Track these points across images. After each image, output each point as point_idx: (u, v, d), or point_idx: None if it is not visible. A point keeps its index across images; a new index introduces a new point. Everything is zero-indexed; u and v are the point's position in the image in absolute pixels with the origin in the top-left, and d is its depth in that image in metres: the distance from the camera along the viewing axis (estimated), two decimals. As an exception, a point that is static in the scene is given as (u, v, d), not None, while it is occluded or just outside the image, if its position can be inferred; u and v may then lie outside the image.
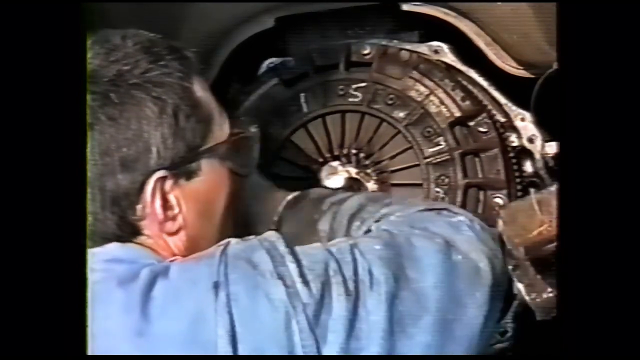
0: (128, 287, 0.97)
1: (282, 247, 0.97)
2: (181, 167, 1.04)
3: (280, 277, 0.94)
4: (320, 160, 1.39)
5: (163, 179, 1.03)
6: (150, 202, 1.02)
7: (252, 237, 1.02)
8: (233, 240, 1.00)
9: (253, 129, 1.18)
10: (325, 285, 0.94)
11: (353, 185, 1.37)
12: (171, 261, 1.02)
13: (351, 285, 0.95)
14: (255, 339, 0.92)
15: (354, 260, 0.97)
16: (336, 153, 1.40)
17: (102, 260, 1.02)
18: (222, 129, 1.10)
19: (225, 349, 0.91)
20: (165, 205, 1.04)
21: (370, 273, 0.96)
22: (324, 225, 1.15)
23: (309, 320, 0.92)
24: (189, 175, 1.05)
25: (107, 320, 0.95)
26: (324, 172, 1.37)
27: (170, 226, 1.05)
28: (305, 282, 0.94)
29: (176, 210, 1.04)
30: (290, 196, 1.22)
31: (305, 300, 0.93)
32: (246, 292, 0.93)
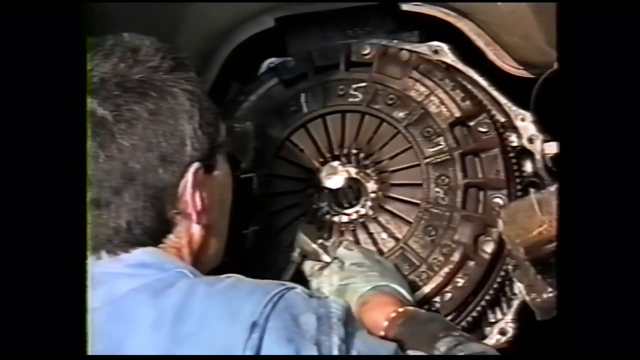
0: (161, 299, 0.97)
1: (335, 319, 0.96)
2: (208, 161, 1.08)
3: (318, 344, 0.93)
4: (320, 160, 1.40)
5: (198, 170, 1.06)
6: (191, 193, 1.06)
7: (319, 294, 1.03)
8: (299, 289, 1.00)
9: (248, 123, 1.23)
10: None
11: (353, 185, 1.37)
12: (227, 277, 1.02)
13: None
14: None
15: None
16: (336, 153, 1.40)
17: (127, 265, 1.04)
18: (222, 126, 1.14)
19: None
20: (201, 196, 1.07)
21: None
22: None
23: None
24: (209, 168, 1.09)
25: (134, 335, 0.96)
26: (324, 172, 1.37)
27: (205, 218, 1.08)
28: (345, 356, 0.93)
29: (207, 201, 1.08)
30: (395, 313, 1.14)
31: None
32: (278, 343, 0.92)
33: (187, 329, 0.94)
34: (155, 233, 1.06)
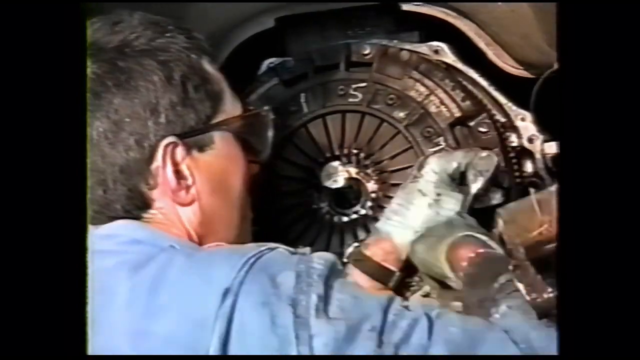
0: (139, 273, 0.95)
1: (315, 275, 0.92)
2: (192, 137, 1.04)
3: (294, 304, 0.89)
4: (320, 160, 1.39)
5: (174, 145, 1.03)
6: (161, 168, 1.02)
7: (304, 250, 0.98)
8: (281, 248, 0.97)
9: (265, 108, 1.18)
10: (351, 330, 0.89)
11: (353, 185, 1.37)
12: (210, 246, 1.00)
13: (389, 349, 0.89)
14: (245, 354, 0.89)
15: (410, 331, 0.90)
16: (336, 153, 1.40)
17: (119, 243, 1.01)
18: (234, 106, 1.11)
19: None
20: (178, 173, 1.03)
21: (425, 348, 0.90)
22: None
23: (312, 352, 0.87)
24: (202, 147, 1.06)
25: (110, 311, 0.93)
26: (324, 172, 1.38)
27: (184, 196, 1.04)
28: (324, 317, 0.89)
29: (189, 180, 1.04)
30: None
31: (314, 332, 0.88)
32: (253, 307, 0.89)
33: (161, 301, 0.92)
34: (130, 207, 1.03)
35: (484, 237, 1.11)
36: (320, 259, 0.95)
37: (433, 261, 1.13)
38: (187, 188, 1.05)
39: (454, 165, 1.21)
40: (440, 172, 1.20)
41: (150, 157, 1.02)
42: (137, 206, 1.04)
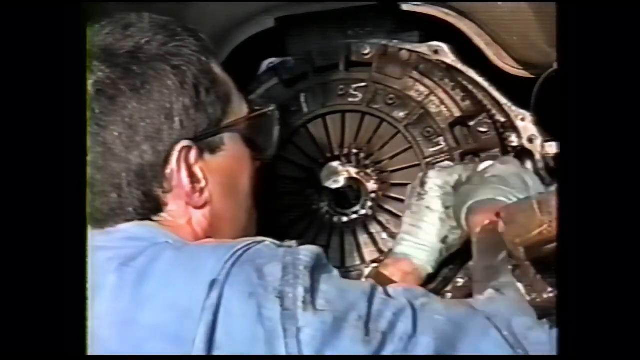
0: (128, 266, 0.95)
1: (301, 267, 0.92)
2: (204, 140, 1.05)
3: (281, 296, 0.90)
4: (321, 160, 1.39)
5: (188, 149, 1.04)
6: (176, 172, 1.03)
7: (291, 243, 0.99)
8: (268, 241, 0.98)
9: (271, 107, 1.19)
10: (338, 321, 0.90)
11: (353, 185, 1.37)
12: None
13: (376, 337, 0.90)
14: (232, 347, 0.89)
15: (395, 320, 0.91)
16: (336, 153, 1.40)
17: (117, 239, 1.02)
18: (241, 107, 1.12)
19: (199, 351, 0.89)
20: (192, 176, 1.04)
21: (410, 337, 0.91)
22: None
23: (300, 345, 0.88)
24: (213, 149, 1.07)
25: (99, 303, 0.93)
26: (324, 172, 1.38)
27: (197, 199, 1.05)
28: (311, 309, 0.90)
29: (202, 183, 1.05)
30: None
31: (301, 324, 0.89)
32: (239, 298, 0.90)
33: (147, 291, 0.93)
34: (143, 211, 1.04)
35: (507, 202, 1.11)
36: (306, 251, 0.96)
37: (456, 212, 1.15)
38: (201, 191, 1.06)
39: (456, 177, 1.21)
40: (443, 185, 1.21)
41: (165, 161, 1.03)
42: (150, 209, 1.04)
